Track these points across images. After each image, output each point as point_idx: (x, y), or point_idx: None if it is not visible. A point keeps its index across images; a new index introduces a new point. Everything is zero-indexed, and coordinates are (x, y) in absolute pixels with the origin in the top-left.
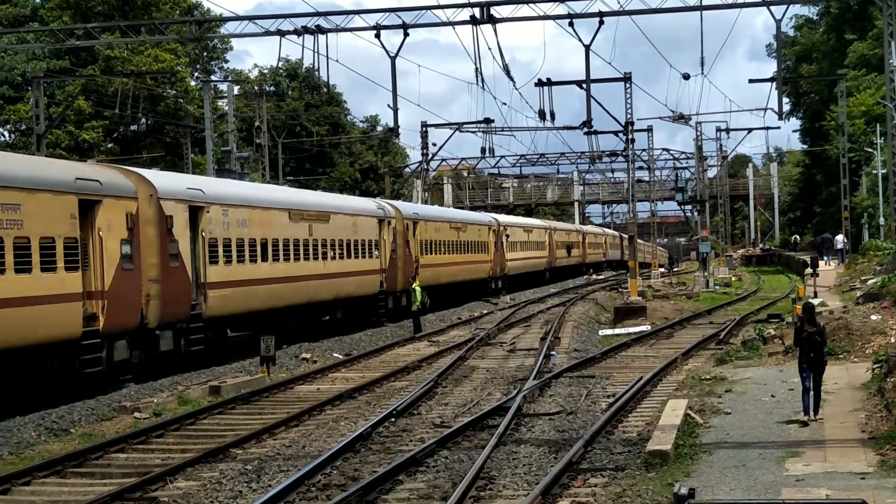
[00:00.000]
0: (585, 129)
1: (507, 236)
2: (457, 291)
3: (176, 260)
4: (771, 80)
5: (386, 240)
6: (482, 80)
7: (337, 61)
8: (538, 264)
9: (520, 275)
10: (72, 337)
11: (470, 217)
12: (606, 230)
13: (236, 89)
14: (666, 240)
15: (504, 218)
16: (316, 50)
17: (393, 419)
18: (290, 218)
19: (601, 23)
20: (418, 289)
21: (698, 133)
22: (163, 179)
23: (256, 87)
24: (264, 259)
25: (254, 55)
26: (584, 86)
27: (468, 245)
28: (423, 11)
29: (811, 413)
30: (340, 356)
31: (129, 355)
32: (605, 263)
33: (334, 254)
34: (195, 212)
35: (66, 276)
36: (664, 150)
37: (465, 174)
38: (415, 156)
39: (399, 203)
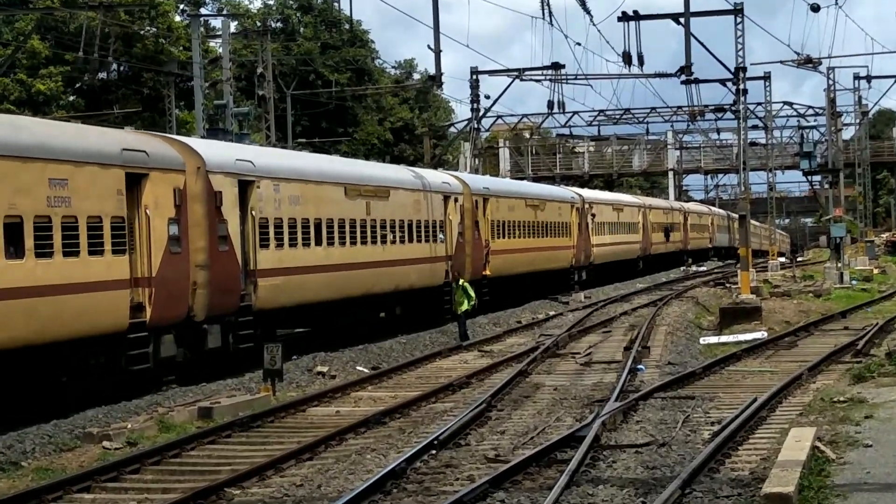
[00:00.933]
0: (683, 77)
1: (594, 216)
2: (532, 284)
3: (225, 243)
4: None
5: (452, 220)
6: (550, 12)
7: None
8: (630, 251)
9: (607, 264)
10: (118, 329)
11: (549, 192)
12: (713, 209)
13: (233, 26)
14: (788, 221)
15: (589, 193)
16: None
17: (434, 451)
18: (346, 194)
19: None
20: (467, 284)
21: (831, 82)
22: (211, 150)
23: (259, 24)
24: (318, 243)
25: None
26: (683, 20)
27: (547, 227)
28: None
29: None
30: (366, 370)
31: (176, 352)
32: (712, 251)
33: (394, 237)
34: (244, 187)
35: (113, 260)
36: (786, 103)
37: (528, 135)
38: (462, 112)
39: (466, 175)
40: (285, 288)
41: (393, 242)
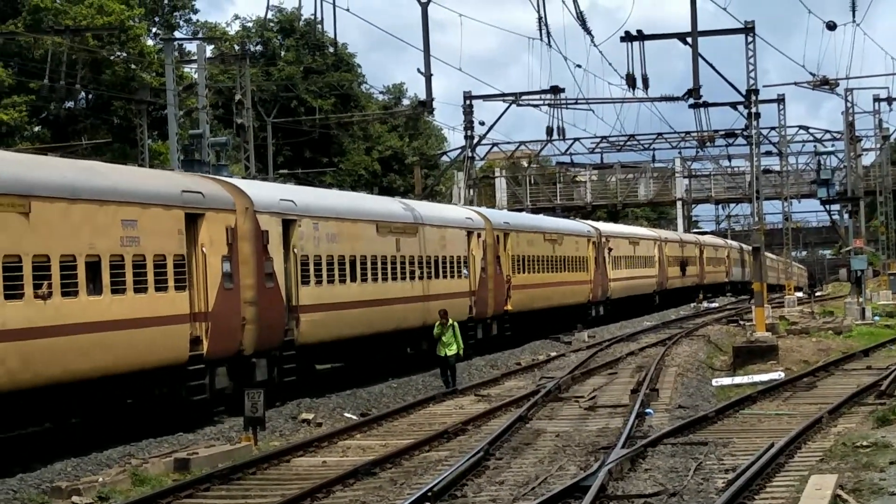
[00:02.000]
0: (692, 101)
1: (610, 250)
2: (550, 319)
3: (271, 280)
4: None
5: (475, 255)
6: (548, 33)
7: (348, 10)
8: (646, 286)
9: (624, 299)
10: (179, 362)
11: (566, 226)
12: (729, 241)
13: (209, 50)
14: (805, 253)
15: (605, 227)
16: None
17: None
18: (378, 231)
19: None
20: (456, 326)
21: (849, 104)
22: (258, 190)
23: (237, 48)
24: (353, 279)
25: (235, 2)
26: (690, 40)
27: (565, 261)
28: None
29: None
30: (354, 417)
31: (228, 384)
32: (728, 285)
33: (422, 273)
34: (287, 226)
35: (176, 296)
36: (801, 128)
37: (525, 164)
38: (455, 139)
39: (488, 210)
40: (324, 323)
41: (421, 278)
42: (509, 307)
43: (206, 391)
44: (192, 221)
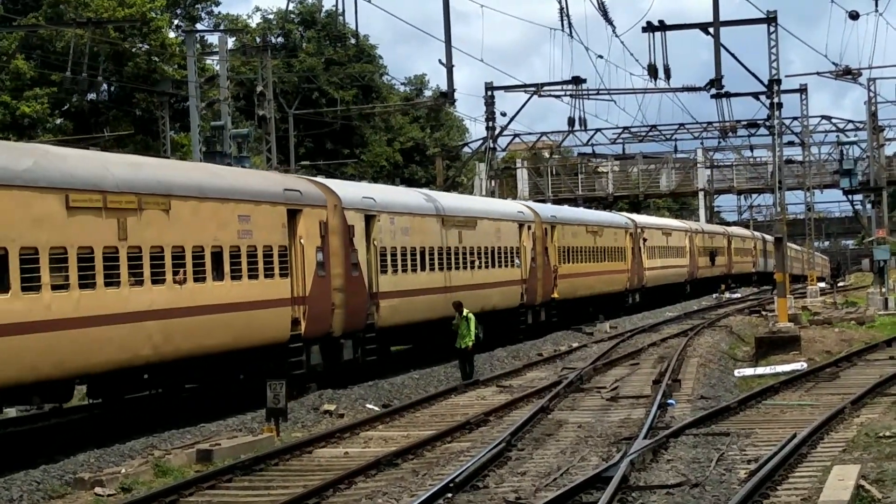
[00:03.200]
0: (714, 91)
1: (645, 240)
2: (590, 306)
3: (356, 269)
4: None
5: (526, 246)
6: (569, 23)
7: (370, 1)
8: (678, 275)
9: (658, 287)
10: (282, 340)
11: (606, 218)
12: (756, 233)
13: (231, 42)
14: (827, 243)
15: (641, 218)
16: None
17: (449, 495)
18: (443, 225)
19: None
20: (472, 317)
21: (872, 94)
22: (345, 189)
23: (259, 39)
24: (422, 268)
25: None
26: (712, 30)
27: (605, 252)
28: None
29: None
30: (376, 408)
31: (320, 361)
32: (755, 275)
33: (480, 262)
34: (368, 220)
35: (280, 282)
36: (824, 118)
37: (547, 154)
38: (477, 131)
39: (536, 205)
40: (399, 308)
41: (479, 267)
42: (556, 295)
43: (304, 367)
44: (292, 217)
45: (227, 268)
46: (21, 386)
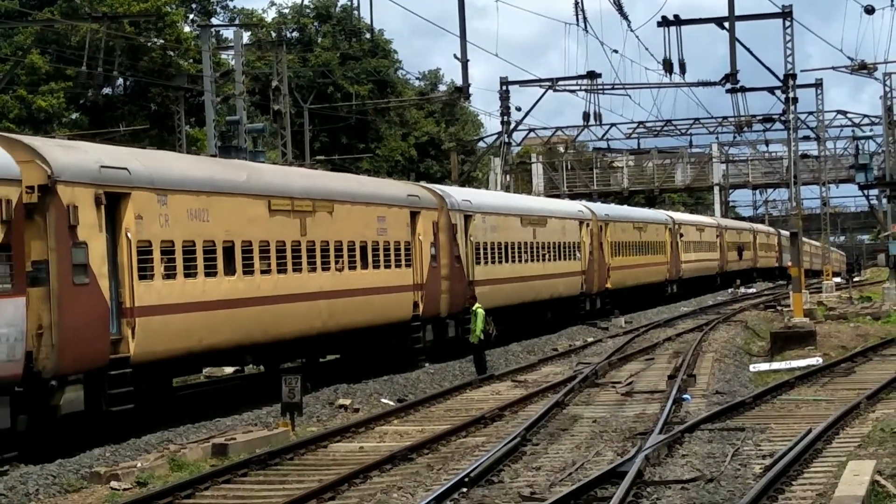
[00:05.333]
0: (729, 86)
1: (681, 235)
2: (637, 295)
3: (458, 261)
4: None
5: (585, 241)
6: (584, 18)
7: None
8: (710, 268)
9: (692, 279)
10: (406, 319)
11: (650, 215)
12: (779, 230)
13: (246, 37)
14: (843, 238)
15: (678, 215)
16: None
17: (465, 490)
18: (521, 223)
19: None
20: (481, 312)
21: (887, 88)
22: (450, 193)
23: (274, 34)
24: (507, 260)
25: None
26: (727, 24)
27: (648, 246)
28: None
29: None
30: (391, 402)
31: (433, 337)
32: (778, 270)
33: (549, 256)
34: (467, 219)
35: (406, 272)
36: (839, 112)
37: (562, 149)
38: (492, 125)
39: (592, 204)
40: (491, 294)
41: (549, 260)
42: (609, 285)
43: (421, 342)
44: (413, 217)
45: (370, 259)
46: (240, 347)
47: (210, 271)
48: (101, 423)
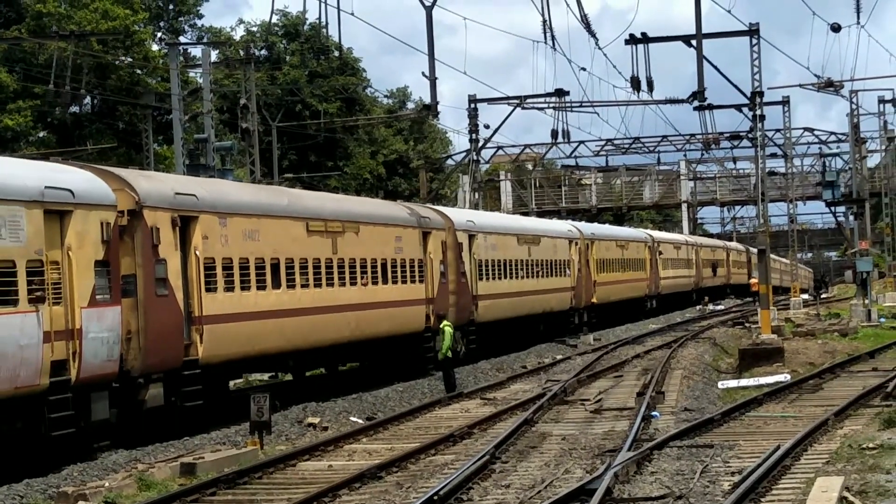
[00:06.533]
0: (696, 103)
1: (660, 253)
2: (619, 310)
3: (464, 277)
4: None
5: (574, 259)
6: (552, 36)
7: (352, 14)
8: (686, 284)
9: (670, 295)
10: (419, 330)
11: (631, 234)
12: (750, 247)
13: (214, 55)
14: (810, 255)
15: (658, 234)
16: None
17: None
18: (518, 242)
19: None
20: (448, 329)
21: (854, 106)
22: (456, 214)
23: (242, 52)
24: (506, 276)
25: (240, 8)
26: (695, 43)
27: (630, 263)
28: None
29: None
30: (360, 421)
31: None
32: (749, 286)
33: (543, 272)
34: (471, 238)
35: (419, 287)
36: (806, 129)
37: (530, 167)
38: (461, 143)
39: (580, 224)
40: (491, 307)
41: (542, 276)
42: (595, 300)
43: (432, 351)
44: (425, 237)
45: (389, 275)
46: (283, 353)
47: (261, 285)
48: (177, 418)
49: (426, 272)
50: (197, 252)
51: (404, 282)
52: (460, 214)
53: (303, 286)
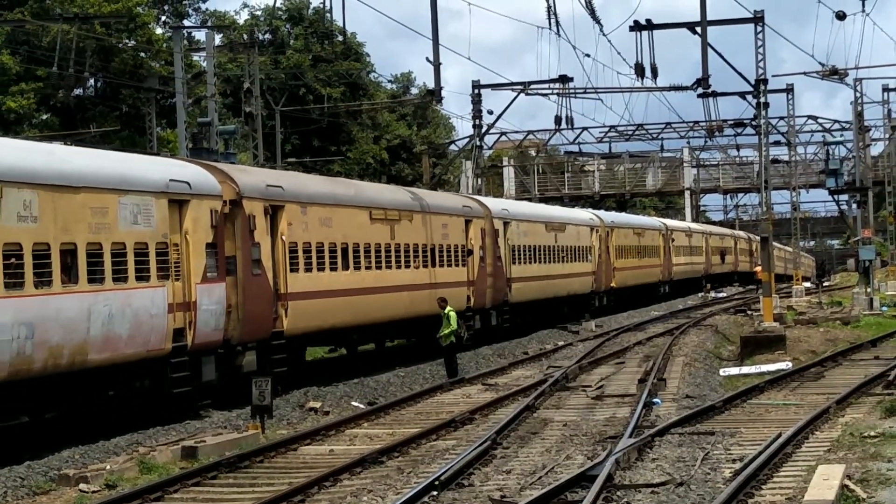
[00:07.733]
0: (700, 90)
1: (673, 240)
2: (636, 294)
3: (499, 261)
4: None
5: (595, 246)
6: (557, 22)
7: None
8: (697, 270)
9: (681, 280)
10: (461, 310)
11: (647, 222)
12: (751, 235)
13: (218, 39)
14: (813, 243)
15: (671, 222)
16: None
17: (435, 493)
18: (546, 229)
19: None
20: (453, 314)
21: (858, 94)
22: (493, 203)
23: (246, 36)
24: (535, 261)
25: None
26: (699, 29)
27: (645, 250)
28: None
29: None
30: (362, 405)
31: (479, 326)
32: (755, 273)
33: (567, 257)
34: (506, 225)
35: (462, 270)
36: (810, 118)
37: (534, 153)
38: (464, 128)
39: (600, 212)
40: (524, 290)
41: (567, 261)
42: (614, 284)
43: (472, 329)
44: (467, 225)
45: (437, 259)
46: (349, 328)
47: (333, 266)
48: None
49: (469, 257)
50: (283, 237)
51: (450, 265)
52: (496, 203)
53: (366, 268)
